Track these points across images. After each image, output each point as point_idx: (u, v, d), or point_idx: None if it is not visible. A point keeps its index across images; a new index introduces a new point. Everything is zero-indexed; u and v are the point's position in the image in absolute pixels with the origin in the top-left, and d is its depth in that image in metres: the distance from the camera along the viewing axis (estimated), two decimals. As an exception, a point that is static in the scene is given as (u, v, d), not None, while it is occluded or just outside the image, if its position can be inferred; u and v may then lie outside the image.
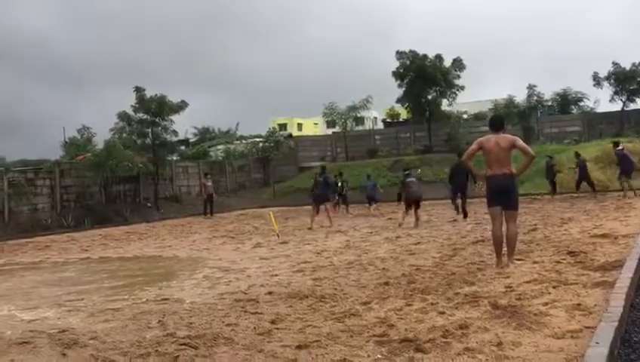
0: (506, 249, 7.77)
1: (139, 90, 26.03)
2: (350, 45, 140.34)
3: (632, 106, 32.48)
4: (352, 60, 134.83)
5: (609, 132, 30.43)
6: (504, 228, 7.77)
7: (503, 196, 7.67)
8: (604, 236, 9.73)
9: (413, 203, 15.20)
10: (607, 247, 8.50)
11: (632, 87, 31.87)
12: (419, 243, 11.40)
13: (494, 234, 7.77)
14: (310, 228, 15.97)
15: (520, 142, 7.81)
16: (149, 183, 27.29)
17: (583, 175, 21.11)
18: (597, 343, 3.57)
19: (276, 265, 9.80)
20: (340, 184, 22.66)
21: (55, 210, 23.17)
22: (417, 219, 15.04)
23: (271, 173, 35.17)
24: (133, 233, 18.92)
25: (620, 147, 20.41)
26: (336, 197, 21.98)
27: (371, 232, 14.27)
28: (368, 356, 4.21)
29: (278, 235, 14.42)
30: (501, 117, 9.36)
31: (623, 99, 32.28)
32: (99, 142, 28.95)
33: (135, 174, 26.10)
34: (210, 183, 25.75)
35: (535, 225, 12.83)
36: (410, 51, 33.92)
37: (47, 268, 11.73)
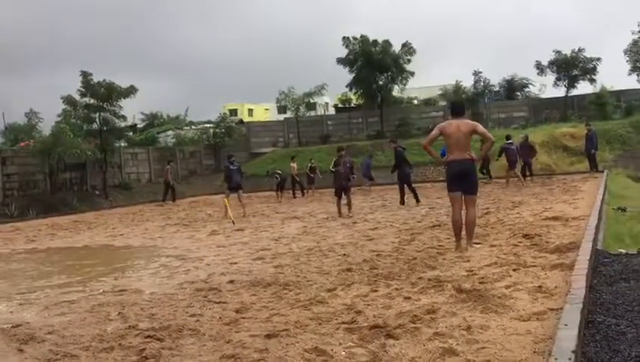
0: (465, 233, 7.89)
1: (85, 74, 25.13)
2: (302, 29, 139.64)
3: (575, 92, 33.52)
4: (303, 45, 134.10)
5: (553, 117, 31.35)
6: (463, 213, 7.89)
7: (463, 181, 7.80)
8: (555, 219, 10.01)
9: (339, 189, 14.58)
10: (560, 230, 8.75)
11: (573, 74, 32.87)
12: (376, 228, 11.47)
13: (454, 218, 7.89)
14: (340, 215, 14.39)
15: (480, 127, 8.00)
16: (97, 171, 26.48)
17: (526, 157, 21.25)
18: (565, 325, 3.64)
19: (234, 252, 9.68)
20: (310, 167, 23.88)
21: (-3, 199, 22.24)
22: (349, 205, 14.59)
23: (222, 160, 34.71)
24: (82, 222, 18.34)
25: (510, 141, 20.89)
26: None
27: (327, 218, 14.28)
28: (340, 344, 4.19)
29: (233, 222, 14.26)
30: (462, 102, 9.55)
31: (566, 85, 33.28)
32: (44, 128, 27.90)
33: (82, 161, 25.28)
34: (169, 168, 25.39)
35: (487, 208, 13.10)
36: (361, 36, 33.91)
37: (-8, 260, 11.24)
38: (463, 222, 7.86)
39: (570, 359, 3.09)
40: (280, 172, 23.40)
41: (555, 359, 3.11)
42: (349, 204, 14.59)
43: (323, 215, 15.13)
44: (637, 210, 11.26)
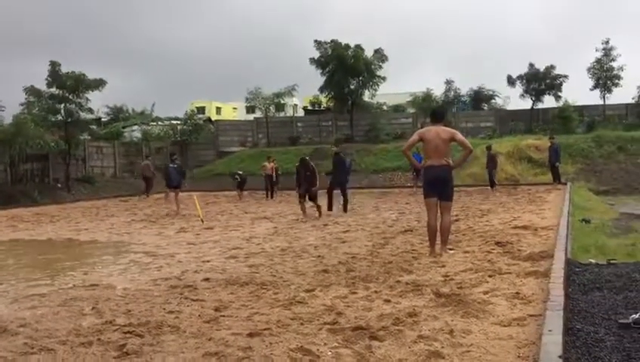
0: (439, 239, 7.97)
1: (54, 64, 24.55)
2: (273, 28, 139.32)
3: (540, 105, 34.34)
4: (273, 44, 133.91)
5: (519, 129, 32.02)
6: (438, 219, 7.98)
7: (440, 187, 7.83)
8: (524, 228, 10.22)
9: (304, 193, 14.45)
10: (530, 238, 8.94)
11: (540, 88, 33.68)
12: (348, 231, 11.51)
13: (430, 223, 7.93)
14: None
15: (459, 135, 8.07)
16: (60, 163, 25.86)
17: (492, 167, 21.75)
18: (550, 331, 3.71)
19: (206, 250, 9.58)
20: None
21: (-46, 189, 21.52)
22: (317, 209, 14.41)
23: (190, 157, 34.36)
24: (44, 215, 17.88)
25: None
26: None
27: (297, 219, 14.26)
28: (324, 344, 4.18)
29: (202, 220, 14.11)
30: (442, 109, 9.57)
31: (532, 98, 34.05)
32: (5, 117, 27.05)
33: (45, 153, 24.66)
34: (150, 165, 25.15)
35: (456, 215, 13.24)
36: (332, 41, 34.05)
37: (-49, 251, 10.86)
38: (438, 228, 7.93)
39: (557, 364, 3.15)
40: (240, 173, 23.28)
41: (543, 364, 3.17)
42: (318, 209, 14.44)
43: (292, 216, 15.09)
44: (600, 221, 11.60)
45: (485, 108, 37.32)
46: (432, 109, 8.84)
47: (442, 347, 3.99)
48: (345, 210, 15.13)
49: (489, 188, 21.16)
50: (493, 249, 8.11)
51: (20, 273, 8.10)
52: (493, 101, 37.86)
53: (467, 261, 7.27)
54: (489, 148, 22.53)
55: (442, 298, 5.32)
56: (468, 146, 7.89)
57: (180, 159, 17.98)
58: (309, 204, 14.49)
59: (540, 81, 33.54)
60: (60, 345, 4.33)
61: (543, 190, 20.37)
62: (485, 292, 5.49)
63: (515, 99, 42.59)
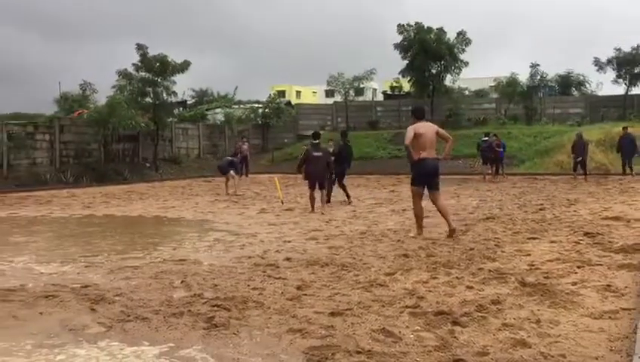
0: (445, 219, 8.70)
1: (141, 47, 25.51)
2: (353, 11, 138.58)
3: (635, 90, 32.41)
4: (353, 27, 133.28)
5: (611, 116, 30.39)
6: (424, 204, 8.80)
7: (431, 178, 8.64)
8: (616, 219, 9.75)
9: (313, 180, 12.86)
10: (623, 230, 8.52)
11: (634, 72, 31.75)
12: (427, 216, 11.28)
13: (417, 210, 8.82)
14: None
15: (440, 129, 8.90)
16: (149, 143, 27.02)
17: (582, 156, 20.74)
18: (646, 325, 3.55)
19: (286, 231, 9.76)
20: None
21: (54, 166, 22.92)
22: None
23: (270, 140, 34.98)
24: (134, 192, 18.79)
25: (485, 138, 21.79)
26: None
27: (375, 203, 14.24)
28: (406, 326, 4.19)
29: (282, 202, 14.36)
30: (423, 107, 10.43)
31: (627, 83, 32.19)
32: (99, 99, 28.51)
33: (135, 133, 25.83)
34: (245, 146, 25.69)
35: (542, 204, 12.84)
36: (416, 23, 33.48)
37: (52, 223, 11.63)
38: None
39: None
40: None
41: None
42: (325, 197, 13.25)
43: (371, 200, 15.08)
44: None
45: (575, 93, 35.64)
46: (415, 108, 9.32)
47: (528, 336, 3.91)
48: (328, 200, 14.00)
49: (577, 176, 20.24)
50: (581, 239, 7.80)
51: (113, 246, 8.57)
52: (583, 87, 36.07)
53: (554, 251, 7.04)
54: (579, 135, 21.48)
55: (528, 287, 5.19)
56: (448, 137, 8.80)
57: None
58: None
59: (634, 65, 31.57)
60: (153, 315, 4.58)
61: (635, 180, 19.31)
62: (574, 283, 5.31)
63: (608, 85, 40.16)
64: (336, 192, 14.49)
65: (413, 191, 8.83)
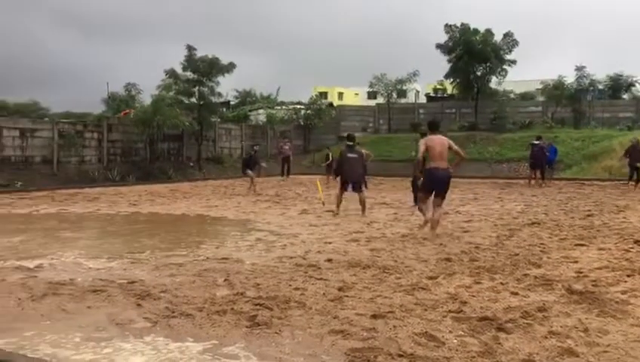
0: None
1: (190, 48, 26.03)
2: (396, 13, 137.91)
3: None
4: (396, 29, 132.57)
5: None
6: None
7: (442, 186, 9.15)
8: (669, 227, 9.43)
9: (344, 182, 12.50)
10: (677, 239, 8.22)
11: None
12: (470, 221, 11.23)
13: (425, 207, 9.54)
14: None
15: (454, 145, 9.31)
16: (193, 143, 27.50)
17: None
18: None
19: (327, 232, 9.77)
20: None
21: (102, 163, 23.56)
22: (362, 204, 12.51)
23: (312, 141, 35.10)
24: (178, 191, 19.12)
25: (536, 141, 21.32)
26: None
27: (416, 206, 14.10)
28: (450, 331, 4.15)
29: (323, 203, 14.37)
30: (438, 120, 11.10)
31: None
32: (145, 99, 29.10)
33: (180, 133, 26.30)
34: (287, 146, 25.92)
35: (589, 210, 12.52)
36: (462, 25, 33.05)
37: (100, 220, 11.95)
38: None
39: None
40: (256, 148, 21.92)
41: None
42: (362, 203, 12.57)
43: (412, 203, 14.94)
44: None
45: (625, 97, 34.54)
46: (430, 122, 9.87)
47: (576, 345, 3.82)
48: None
49: (630, 183, 19.61)
50: (631, 247, 7.57)
51: (158, 244, 8.75)
52: (634, 88, 34.90)
53: (602, 258, 6.86)
54: (636, 141, 20.63)
55: (575, 295, 5.07)
56: (462, 155, 9.54)
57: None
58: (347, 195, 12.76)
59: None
60: (197, 312, 4.66)
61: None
62: (623, 292, 5.16)
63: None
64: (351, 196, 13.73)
65: (420, 198, 9.76)
